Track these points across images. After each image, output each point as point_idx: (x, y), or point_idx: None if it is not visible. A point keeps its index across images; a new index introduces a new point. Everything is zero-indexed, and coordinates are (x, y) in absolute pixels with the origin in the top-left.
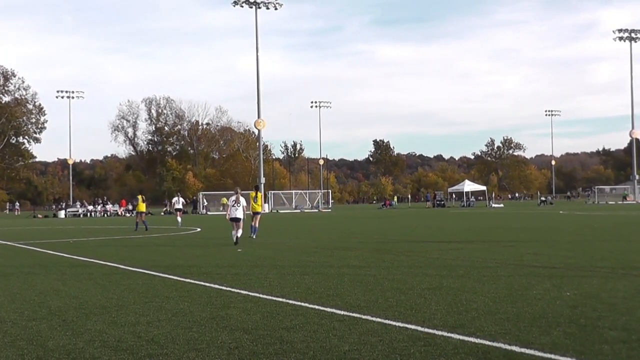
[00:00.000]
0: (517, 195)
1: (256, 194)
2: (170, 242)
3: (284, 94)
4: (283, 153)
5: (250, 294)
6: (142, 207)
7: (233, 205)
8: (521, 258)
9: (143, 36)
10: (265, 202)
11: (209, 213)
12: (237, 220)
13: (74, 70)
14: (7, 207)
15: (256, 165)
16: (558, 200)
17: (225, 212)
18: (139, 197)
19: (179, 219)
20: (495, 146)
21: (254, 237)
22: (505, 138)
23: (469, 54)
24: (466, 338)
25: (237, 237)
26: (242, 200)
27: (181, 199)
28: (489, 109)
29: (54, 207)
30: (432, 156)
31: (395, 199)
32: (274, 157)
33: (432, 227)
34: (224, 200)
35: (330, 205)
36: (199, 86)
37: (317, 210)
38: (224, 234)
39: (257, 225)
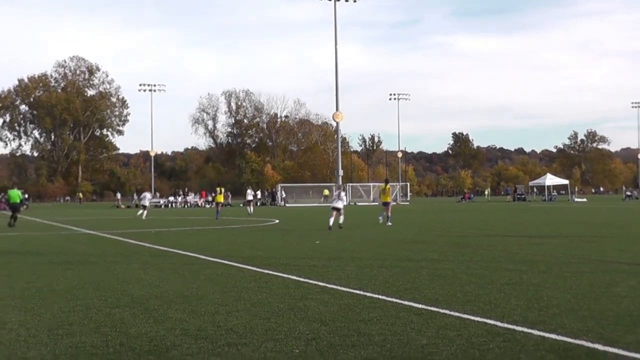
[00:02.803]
0: (601, 189)
1: (385, 186)
2: (248, 234)
3: (362, 87)
4: (361, 145)
5: (327, 285)
6: (220, 197)
7: (335, 199)
8: (604, 254)
9: (224, 30)
10: (345, 195)
11: (287, 205)
12: (337, 209)
13: (156, 64)
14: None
15: (334, 158)
16: None
17: (324, 203)
18: (217, 188)
19: (251, 209)
20: (579, 139)
21: (390, 224)
22: (589, 131)
23: (550, 46)
24: (547, 335)
25: (331, 223)
26: (343, 194)
27: (251, 192)
28: (572, 101)
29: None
30: (512, 149)
31: (487, 191)
32: (351, 150)
33: (512, 221)
34: (326, 191)
35: (409, 199)
36: (277, 79)
37: (395, 203)
38: (302, 226)
39: (389, 214)
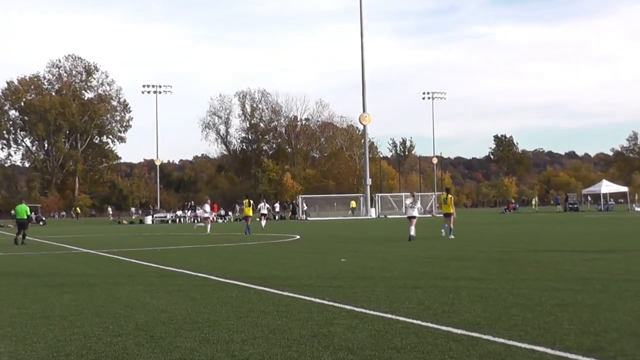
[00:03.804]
0: None
1: (447, 195)
2: (266, 251)
3: (393, 85)
4: (391, 151)
5: (355, 309)
6: (249, 211)
7: (411, 206)
8: None
9: (236, 23)
10: (372, 206)
11: (309, 219)
12: (413, 217)
13: (162, 63)
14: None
15: (361, 165)
16: None
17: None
18: (245, 200)
19: (264, 222)
20: (639, 140)
21: (452, 237)
22: None
23: (606, 35)
24: None
25: (411, 235)
26: (418, 202)
27: (267, 205)
28: (631, 97)
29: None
30: (563, 153)
31: (535, 201)
32: (381, 156)
33: (563, 234)
34: (353, 203)
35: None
36: (297, 77)
37: (430, 216)
38: (326, 242)
39: (452, 225)
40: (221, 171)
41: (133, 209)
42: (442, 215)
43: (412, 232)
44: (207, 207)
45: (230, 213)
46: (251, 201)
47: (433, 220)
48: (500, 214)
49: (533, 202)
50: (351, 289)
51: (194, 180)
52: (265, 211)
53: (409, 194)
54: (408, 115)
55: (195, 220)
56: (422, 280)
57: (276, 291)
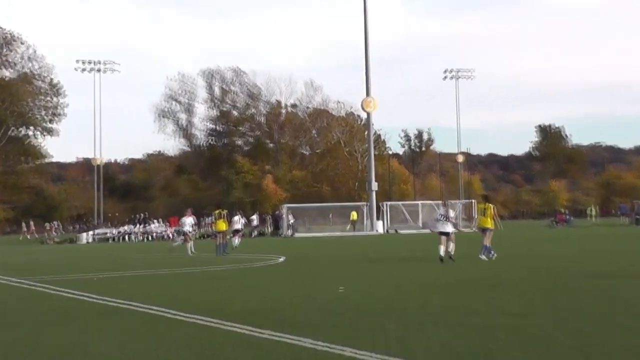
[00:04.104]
0: None
1: (484, 204)
2: (241, 276)
3: (405, 62)
4: (403, 146)
5: (357, 354)
6: (222, 225)
7: (440, 219)
8: None
9: None
10: (378, 219)
11: (296, 235)
12: (446, 234)
13: (105, 34)
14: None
15: (364, 165)
16: None
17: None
18: (216, 212)
19: (237, 240)
20: None
21: (494, 254)
22: None
23: None
24: None
25: (443, 253)
26: (452, 212)
27: (242, 220)
28: None
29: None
30: (628, 147)
31: (592, 210)
32: (390, 152)
33: (632, 254)
34: (354, 214)
35: (475, 223)
36: (281, 53)
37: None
38: (318, 265)
39: (488, 243)
40: (182, 173)
41: (55, 224)
42: (478, 230)
43: (442, 251)
44: (189, 220)
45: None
46: (224, 212)
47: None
48: (546, 227)
49: (590, 212)
50: (352, 328)
51: (145, 186)
52: (240, 226)
53: (440, 202)
54: (425, 100)
55: (172, 236)
56: (444, 315)
57: (253, 330)
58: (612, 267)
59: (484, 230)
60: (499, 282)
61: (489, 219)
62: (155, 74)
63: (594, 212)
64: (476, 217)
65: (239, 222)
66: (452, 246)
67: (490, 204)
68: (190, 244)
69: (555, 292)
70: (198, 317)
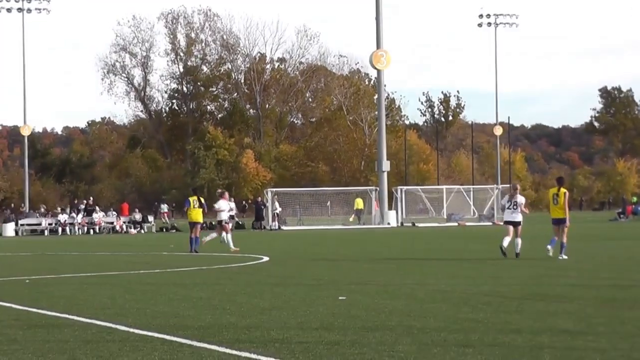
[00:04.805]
0: None
1: (558, 189)
2: (213, 281)
3: (427, 4)
4: (424, 115)
5: None
6: (197, 214)
7: (509, 207)
8: None
9: None
10: (391, 208)
11: (284, 228)
12: (515, 224)
13: None
14: None
15: (373, 138)
16: None
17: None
18: (191, 198)
19: (229, 236)
20: None
21: (564, 257)
22: None
23: None
24: None
25: (507, 244)
26: (521, 198)
27: (227, 203)
28: None
29: None
30: None
31: None
32: (407, 122)
33: None
34: (359, 202)
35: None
36: None
37: (490, 224)
38: (312, 268)
39: (564, 239)
40: (135, 147)
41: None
42: (557, 221)
43: (506, 242)
44: (226, 204)
45: (151, 218)
46: (202, 199)
47: (495, 230)
48: (610, 221)
49: None
50: (356, 348)
51: (88, 163)
52: (225, 216)
53: (508, 186)
54: (452, 55)
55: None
56: (476, 334)
57: (226, 351)
58: None
59: (558, 221)
60: (545, 291)
61: (562, 208)
62: (101, 18)
63: None
64: (550, 206)
65: (225, 209)
66: (519, 241)
67: (563, 189)
68: (229, 235)
69: (619, 306)
70: (157, 333)
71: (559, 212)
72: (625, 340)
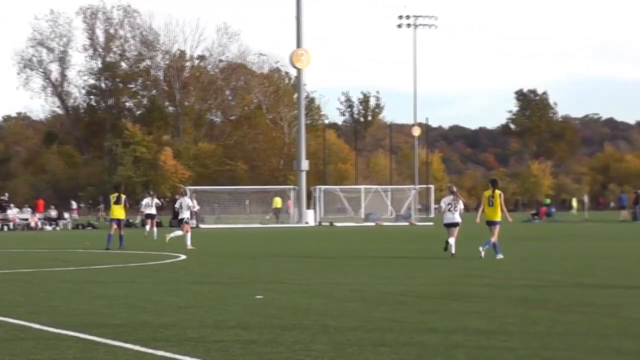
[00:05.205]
0: None
1: (493, 191)
2: (129, 279)
3: (346, 5)
4: (344, 114)
5: None
6: (116, 211)
7: (450, 210)
8: None
9: None
10: (309, 207)
11: (202, 226)
12: (454, 225)
13: None
14: None
15: (293, 137)
16: None
17: None
18: (113, 195)
19: (155, 230)
20: None
21: (500, 256)
22: None
23: None
24: None
25: (450, 246)
26: (461, 203)
27: (155, 200)
28: None
29: None
30: (633, 122)
31: (575, 202)
32: (326, 122)
33: (631, 258)
34: (277, 200)
35: (433, 214)
36: None
37: (407, 224)
38: (229, 267)
39: (496, 239)
40: (52, 142)
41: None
42: (490, 223)
43: (453, 241)
44: (188, 201)
45: (67, 215)
46: (123, 195)
47: (412, 230)
48: (525, 222)
49: (573, 204)
50: (272, 347)
51: (3, 158)
52: (153, 210)
53: (449, 188)
54: (373, 55)
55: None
56: (392, 334)
57: (142, 349)
58: (606, 274)
59: (492, 223)
60: (462, 291)
61: (497, 210)
62: (18, 12)
63: (575, 205)
64: (481, 207)
65: (151, 204)
66: (452, 240)
67: (498, 191)
68: (189, 235)
69: (531, 306)
70: (72, 332)
71: (494, 213)
72: (536, 339)
